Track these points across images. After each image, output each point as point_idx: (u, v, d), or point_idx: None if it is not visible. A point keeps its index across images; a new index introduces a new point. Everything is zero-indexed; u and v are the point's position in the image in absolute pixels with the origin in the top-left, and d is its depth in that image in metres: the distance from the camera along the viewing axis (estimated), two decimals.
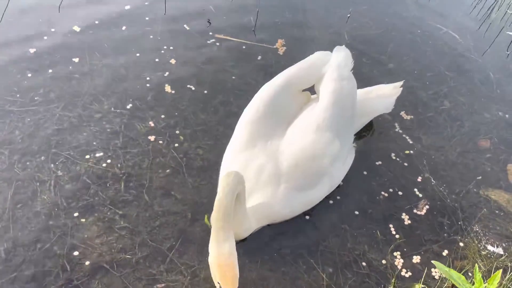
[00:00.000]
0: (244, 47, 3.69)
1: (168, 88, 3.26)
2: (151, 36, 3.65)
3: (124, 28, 3.68)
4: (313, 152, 2.50)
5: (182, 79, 3.35)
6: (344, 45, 2.90)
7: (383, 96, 3.10)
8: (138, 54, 3.48)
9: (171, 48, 3.58)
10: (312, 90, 2.86)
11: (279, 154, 2.51)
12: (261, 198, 2.46)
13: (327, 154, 2.54)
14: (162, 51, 3.53)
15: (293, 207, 2.55)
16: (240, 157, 2.55)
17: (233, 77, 3.43)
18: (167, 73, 3.37)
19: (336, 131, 2.57)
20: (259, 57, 3.62)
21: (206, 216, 2.55)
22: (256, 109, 2.61)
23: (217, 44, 3.69)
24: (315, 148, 2.50)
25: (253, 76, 3.45)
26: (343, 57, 2.79)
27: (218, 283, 2.10)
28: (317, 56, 2.84)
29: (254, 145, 2.54)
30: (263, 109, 2.60)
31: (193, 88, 3.30)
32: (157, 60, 3.46)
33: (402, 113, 3.37)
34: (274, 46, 3.73)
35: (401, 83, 3.15)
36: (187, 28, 3.78)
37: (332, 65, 2.73)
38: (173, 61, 3.47)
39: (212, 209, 2.59)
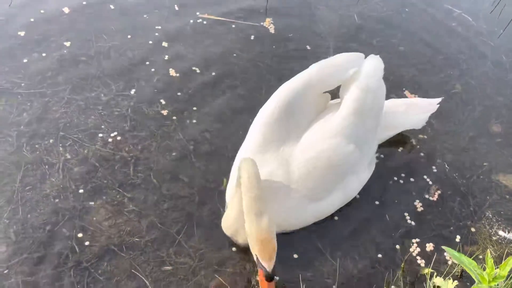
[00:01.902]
0: (233, 26, 3.63)
1: (172, 72, 3.22)
2: (155, 19, 3.60)
3: (131, 11, 3.63)
4: (327, 161, 2.36)
5: (184, 62, 3.30)
6: (378, 55, 2.69)
7: (416, 111, 2.91)
8: (144, 38, 3.45)
9: (159, 28, 3.53)
10: (333, 94, 2.73)
11: (291, 161, 2.38)
12: (270, 205, 2.28)
13: (342, 165, 2.41)
14: (157, 34, 3.48)
15: (303, 218, 2.45)
16: None
17: (234, 55, 3.40)
18: (167, 56, 3.33)
19: (355, 141, 2.42)
20: (252, 37, 3.57)
21: (224, 180, 2.51)
22: (272, 111, 2.45)
23: (204, 23, 3.62)
24: (330, 157, 2.36)
25: (248, 55, 3.41)
26: (373, 66, 2.60)
27: (256, 255, 2.09)
28: (345, 57, 2.63)
29: (267, 150, 2.41)
30: (279, 112, 2.43)
31: (198, 71, 3.26)
32: (163, 44, 3.42)
33: (412, 97, 3.31)
34: (262, 24, 3.66)
35: (439, 100, 2.95)
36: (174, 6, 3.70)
37: (362, 73, 2.54)
38: (165, 44, 3.41)
39: (219, 192, 2.60)
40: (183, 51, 3.39)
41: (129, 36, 3.43)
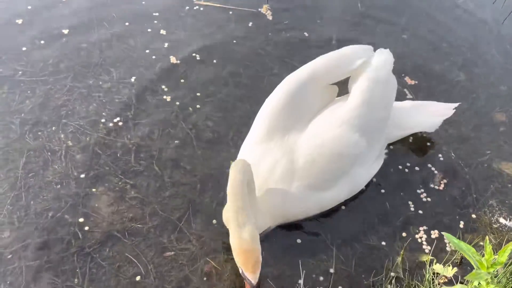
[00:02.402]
0: (231, 12, 3.61)
1: (173, 59, 3.22)
2: (152, 5, 3.59)
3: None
4: (332, 150, 2.34)
5: (184, 49, 3.30)
6: (388, 49, 2.64)
7: (431, 113, 2.87)
8: (145, 25, 3.44)
9: (156, 15, 3.52)
10: (342, 85, 2.69)
11: (296, 150, 2.36)
12: (273, 195, 2.34)
13: (348, 155, 2.38)
14: (155, 21, 3.47)
15: (306, 207, 2.43)
16: (255, 151, 2.41)
17: (234, 41, 3.40)
18: (166, 44, 3.32)
19: (362, 132, 2.39)
20: (250, 23, 3.56)
21: (231, 162, 2.52)
22: (277, 101, 2.43)
23: (201, 9, 3.60)
24: (336, 146, 2.34)
25: (247, 41, 3.40)
26: (384, 59, 2.56)
27: (241, 268, 2.05)
28: (352, 48, 2.59)
29: (271, 139, 2.39)
30: (284, 102, 2.41)
31: (198, 58, 3.26)
32: (162, 31, 3.41)
33: (412, 83, 3.29)
34: (259, 10, 3.65)
35: (455, 104, 2.90)
36: None
37: (372, 65, 2.51)
38: (163, 32, 3.40)
39: (221, 180, 2.61)
40: (183, 38, 3.38)
41: (127, 23, 3.42)
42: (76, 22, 3.37)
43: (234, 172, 2.10)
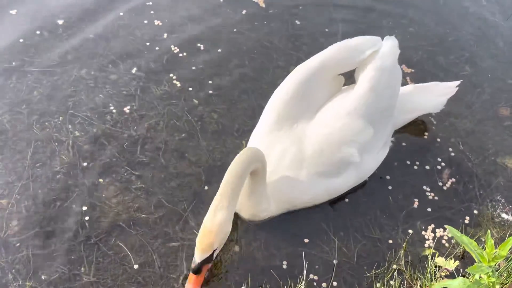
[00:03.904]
0: (221, 0, 3.62)
1: (176, 49, 3.24)
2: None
3: None
4: (340, 138, 2.39)
5: (187, 39, 3.32)
6: (394, 35, 2.65)
7: (434, 94, 2.89)
8: (153, 15, 3.45)
9: (150, 4, 3.52)
10: (348, 76, 2.71)
11: (304, 138, 2.41)
12: (282, 182, 2.40)
13: (355, 142, 2.42)
14: (152, 12, 3.47)
15: (314, 194, 2.48)
16: (264, 140, 2.47)
17: (234, 30, 3.42)
18: (167, 35, 3.34)
19: (369, 121, 2.43)
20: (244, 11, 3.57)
21: (243, 142, 2.52)
22: (286, 91, 2.48)
23: None
24: (344, 135, 2.39)
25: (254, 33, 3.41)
26: (389, 47, 2.57)
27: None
28: (362, 39, 2.60)
29: (281, 127, 2.45)
30: (293, 92, 2.46)
31: (202, 48, 3.28)
32: (167, 21, 3.42)
33: (409, 71, 3.29)
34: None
35: (457, 82, 2.93)
36: None
37: (378, 54, 2.53)
38: (159, 23, 3.42)
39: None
40: (185, 29, 3.39)
41: (137, 15, 3.43)
42: (83, 13, 3.38)
43: (239, 159, 2.16)
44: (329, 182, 2.47)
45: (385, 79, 2.48)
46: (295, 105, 2.46)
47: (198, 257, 2.10)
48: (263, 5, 3.63)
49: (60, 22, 3.31)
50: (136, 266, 2.28)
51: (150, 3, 3.54)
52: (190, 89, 3.03)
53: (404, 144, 2.92)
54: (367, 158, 2.55)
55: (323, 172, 2.42)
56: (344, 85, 2.71)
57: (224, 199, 2.12)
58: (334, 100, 2.53)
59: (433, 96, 2.90)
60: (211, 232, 2.08)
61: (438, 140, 2.97)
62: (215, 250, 2.13)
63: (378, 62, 2.50)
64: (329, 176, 2.45)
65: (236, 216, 2.44)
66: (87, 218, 2.40)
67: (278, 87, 2.57)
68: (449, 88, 2.91)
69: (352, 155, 2.44)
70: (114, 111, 2.86)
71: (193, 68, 3.16)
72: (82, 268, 2.24)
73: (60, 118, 2.78)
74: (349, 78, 2.73)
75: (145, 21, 3.40)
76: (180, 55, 3.22)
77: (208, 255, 2.10)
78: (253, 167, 2.19)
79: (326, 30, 3.52)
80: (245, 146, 2.68)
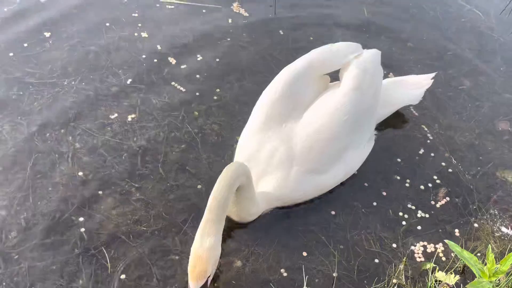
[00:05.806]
0: (204, 10, 3.66)
1: (175, 61, 3.27)
2: (164, 11, 3.63)
3: (139, 2, 3.66)
4: (328, 135, 2.46)
5: (186, 51, 3.36)
6: (375, 49, 2.84)
7: (411, 86, 3.01)
8: (154, 28, 3.48)
9: (136, 16, 3.55)
10: (333, 75, 2.80)
11: (293, 137, 2.48)
12: (272, 180, 2.45)
13: (342, 139, 2.51)
14: (139, 25, 3.51)
15: (304, 191, 2.53)
16: (253, 140, 2.53)
17: (228, 38, 3.45)
18: (167, 47, 3.37)
19: (355, 117, 2.52)
20: (230, 20, 3.62)
21: (237, 138, 2.48)
22: (274, 91, 2.57)
23: (171, 7, 3.64)
24: (331, 132, 2.47)
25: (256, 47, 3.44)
26: (371, 53, 2.76)
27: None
28: (344, 44, 2.77)
29: (269, 127, 2.52)
30: (281, 92, 2.55)
31: (201, 60, 3.30)
32: (169, 33, 3.45)
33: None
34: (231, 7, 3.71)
35: (433, 74, 3.05)
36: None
37: (361, 57, 2.69)
38: (159, 36, 3.44)
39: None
40: (185, 42, 3.43)
41: (138, 27, 3.46)
42: (85, 26, 3.41)
43: (223, 175, 2.16)
44: (319, 179, 2.53)
45: (369, 78, 2.61)
46: (283, 106, 2.54)
47: (194, 287, 2.06)
48: (246, 14, 3.68)
49: (61, 34, 3.33)
50: (135, 279, 2.26)
51: (149, 17, 3.57)
52: (191, 100, 3.05)
53: (402, 158, 2.92)
54: (353, 154, 2.64)
55: (312, 169, 2.48)
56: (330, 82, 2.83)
57: (211, 224, 2.10)
58: (320, 99, 2.63)
59: (410, 88, 3.01)
60: (201, 258, 2.05)
61: (436, 154, 2.97)
62: (209, 277, 2.10)
63: (362, 63, 2.64)
64: (319, 172, 2.51)
65: (232, 229, 2.44)
66: (85, 230, 2.39)
67: (267, 88, 2.65)
68: (425, 79, 3.03)
69: (340, 151, 2.52)
70: (114, 122, 2.86)
71: (193, 80, 3.17)
72: (80, 281, 2.23)
73: (61, 129, 2.79)
74: (335, 78, 2.80)
75: (145, 35, 3.43)
76: (182, 67, 3.24)
77: (203, 283, 2.07)
78: (237, 184, 2.20)
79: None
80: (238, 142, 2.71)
